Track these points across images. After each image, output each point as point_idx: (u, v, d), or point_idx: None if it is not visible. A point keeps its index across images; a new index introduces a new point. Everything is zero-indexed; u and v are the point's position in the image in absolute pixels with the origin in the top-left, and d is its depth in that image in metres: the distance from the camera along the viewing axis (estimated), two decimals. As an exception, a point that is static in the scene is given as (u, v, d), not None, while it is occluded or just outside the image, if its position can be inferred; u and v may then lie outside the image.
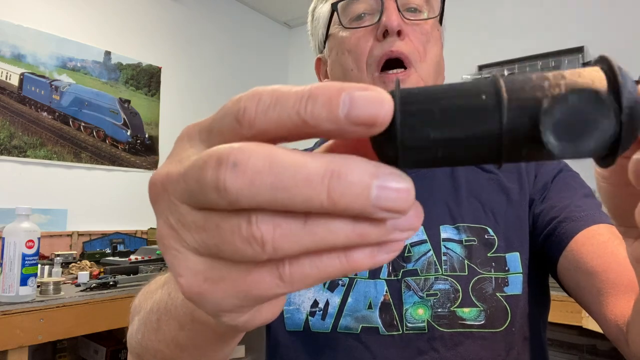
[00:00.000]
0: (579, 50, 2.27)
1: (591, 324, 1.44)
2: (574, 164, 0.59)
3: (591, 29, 2.35)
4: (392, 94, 0.17)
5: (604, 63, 0.18)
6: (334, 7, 0.62)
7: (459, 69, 2.45)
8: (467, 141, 0.16)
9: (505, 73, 2.38)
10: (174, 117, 2.82)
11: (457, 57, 2.22)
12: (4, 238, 1.26)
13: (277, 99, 0.17)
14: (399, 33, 0.58)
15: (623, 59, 2.29)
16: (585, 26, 2.37)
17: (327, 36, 0.65)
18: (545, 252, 0.57)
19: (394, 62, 0.59)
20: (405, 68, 0.59)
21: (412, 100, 0.17)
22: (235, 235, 0.16)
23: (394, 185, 0.16)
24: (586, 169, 0.51)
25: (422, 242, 0.58)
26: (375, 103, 0.16)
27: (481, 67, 2.57)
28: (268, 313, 0.21)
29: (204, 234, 0.17)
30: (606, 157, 0.17)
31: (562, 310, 1.48)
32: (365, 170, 0.16)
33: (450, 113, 0.16)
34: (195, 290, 0.18)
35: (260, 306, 0.21)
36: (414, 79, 0.59)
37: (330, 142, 0.20)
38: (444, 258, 0.57)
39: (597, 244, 0.51)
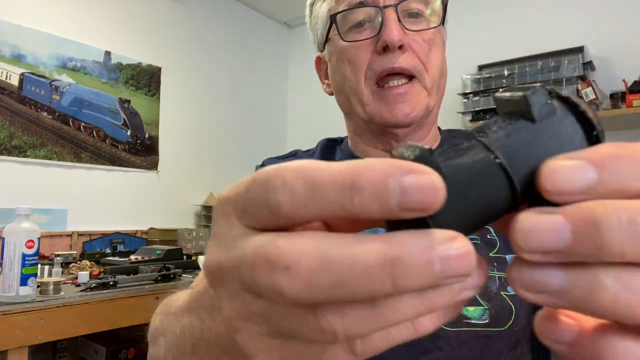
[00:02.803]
0: (579, 50, 2.27)
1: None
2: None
3: (591, 29, 2.35)
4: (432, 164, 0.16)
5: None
6: (332, 19, 0.60)
7: (459, 69, 2.45)
8: (488, 216, 0.17)
9: (506, 73, 2.38)
10: (174, 117, 2.82)
11: (457, 57, 2.21)
12: (4, 238, 1.26)
13: (313, 190, 0.16)
14: (400, 47, 0.56)
15: (623, 59, 2.29)
16: (585, 26, 2.37)
17: (327, 39, 0.64)
18: None
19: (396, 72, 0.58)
20: (408, 78, 0.57)
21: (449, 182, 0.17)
22: (305, 326, 0.16)
23: (455, 253, 0.15)
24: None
25: None
26: (428, 192, 0.15)
27: (481, 67, 2.57)
28: None
29: (273, 323, 0.17)
30: None
31: (562, 310, 1.48)
32: (423, 246, 0.15)
33: (473, 198, 0.17)
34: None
35: None
36: (416, 89, 0.57)
37: None
38: None
39: None
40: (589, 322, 0.17)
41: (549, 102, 0.17)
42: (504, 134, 0.17)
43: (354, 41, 0.59)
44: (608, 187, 0.15)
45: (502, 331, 0.53)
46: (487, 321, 0.53)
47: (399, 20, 0.56)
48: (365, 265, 0.15)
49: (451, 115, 2.48)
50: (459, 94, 2.48)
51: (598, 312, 0.15)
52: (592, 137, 0.17)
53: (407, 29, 0.57)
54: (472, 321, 0.53)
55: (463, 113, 2.47)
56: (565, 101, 0.18)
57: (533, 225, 0.15)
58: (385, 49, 0.56)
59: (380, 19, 0.57)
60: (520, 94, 0.17)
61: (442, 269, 0.15)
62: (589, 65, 2.23)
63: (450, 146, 0.18)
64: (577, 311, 0.16)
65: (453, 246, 0.15)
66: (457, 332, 0.53)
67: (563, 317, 0.17)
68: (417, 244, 0.15)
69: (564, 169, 0.16)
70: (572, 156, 0.16)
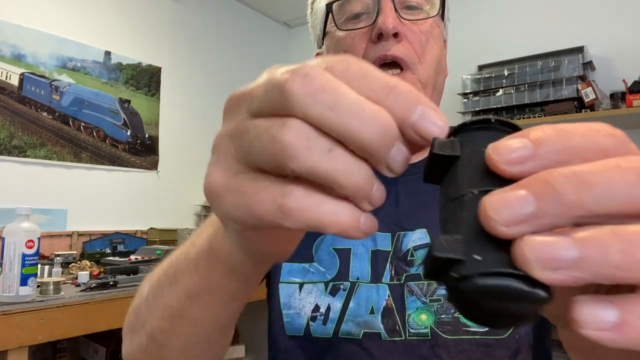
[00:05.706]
0: (579, 50, 2.27)
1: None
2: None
3: (591, 29, 2.35)
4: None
5: None
6: (328, 8, 0.60)
7: (459, 69, 2.45)
8: None
9: (506, 73, 2.38)
10: (174, 117, 2.82)
11: (457, 57, 2.21)
12: (4, 238, 1.26)
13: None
14: (395, 35, 0.55)
15: (623, 59, 2.29)
16: (585, 26, 2.37)
17: (324, 33, 0.63)
18: None
19: (390, 63, 0.57)
20: (401, 69, 0.56)
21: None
22: (266, 133, 0.18)
23: (433, 116, 0.19)
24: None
25: (425, 245, 0.56)
26: (436, 117, 0.19)
27: (481, 67, 2.57)
28: (272, 245, 0.23)
29: (245, 136, 0.20)
30: None
31: (562, 310, 1.48)
32: (417, 97, 0.19)
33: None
34: (214, 189, 0.21)
35: (266, 235, 0.22)
36: (408, 79, 0.56)
37: None
38: None
39: None
40: (624, 299, 0.16)
41: (450, 138, 0.21)
42: (454, 179, 0.20)
43: (350, 30, 0.58)
44: (544, 149, 0.17)
45: (502, 339, 0.52)
46: (486, 329, 0.52)
47: (396, 10, 0.56)
48: (367, 109, 0.18)
49: (451, 115, 2.48)
50: (459, 94, 2.48)
51: (615, 273, 0.15)
52: (497, 122, 0.20)
53: (403, 19, 0.57)
54: (472, 329, 0.52)
55: (463, 113, 2.47)
56: (462, 126, 0.21)
57: (499, 199, 0.17)
58: (380, 37, 0.56)
59: (377, 8, 0.56)
60: (429, 154, 0.21)
61: (422, 115, 0.18)
62: (589, 65, 2.23)
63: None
64: (598, 279, 0.15)
65: (436, 113, 0.19)
66: (456, 340, 0.52)
67: (596, 300, 0.16)
68: (414, 93, 0.19)
69: (504, 142, 0.18)
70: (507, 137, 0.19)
